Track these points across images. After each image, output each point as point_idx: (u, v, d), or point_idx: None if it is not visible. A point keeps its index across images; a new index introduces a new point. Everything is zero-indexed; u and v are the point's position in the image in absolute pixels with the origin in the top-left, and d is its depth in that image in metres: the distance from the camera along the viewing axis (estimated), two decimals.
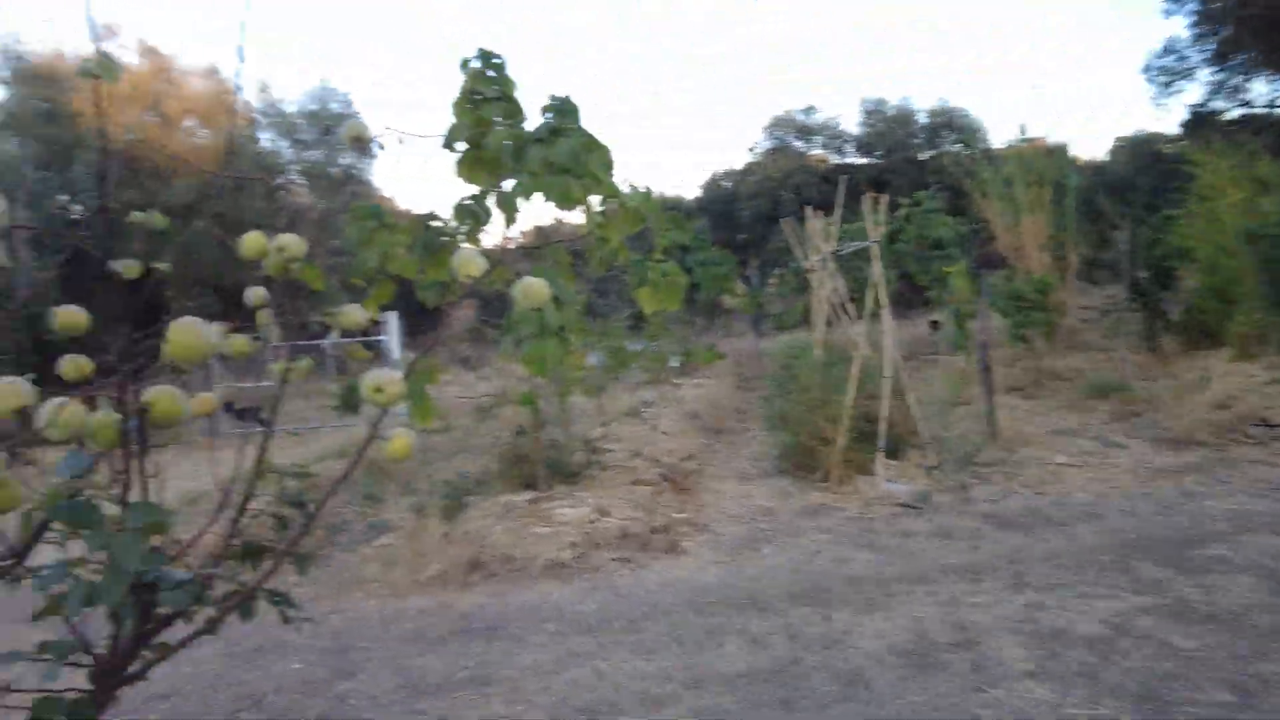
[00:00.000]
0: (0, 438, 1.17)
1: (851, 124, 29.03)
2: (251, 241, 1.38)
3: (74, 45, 17.46)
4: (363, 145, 1.22)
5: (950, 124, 27.62)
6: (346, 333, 1.49)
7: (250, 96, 18.43)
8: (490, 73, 5.00)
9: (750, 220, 26.13)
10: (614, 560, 4.85)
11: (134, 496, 1.04)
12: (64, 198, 13.13)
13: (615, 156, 5.07)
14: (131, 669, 1.30)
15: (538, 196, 4.65)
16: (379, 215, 5.01)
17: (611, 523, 5.17)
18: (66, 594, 1.02)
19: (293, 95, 19.50)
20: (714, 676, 3.37)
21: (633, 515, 5.36)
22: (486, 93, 4.87)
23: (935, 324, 15.44)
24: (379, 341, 10.49)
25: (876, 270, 6.49)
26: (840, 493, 6.05)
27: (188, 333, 1.04)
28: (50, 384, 1.27)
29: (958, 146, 25.05)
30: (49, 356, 1.38)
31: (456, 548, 4.89)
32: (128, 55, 18.38)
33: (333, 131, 17.34)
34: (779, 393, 7.68)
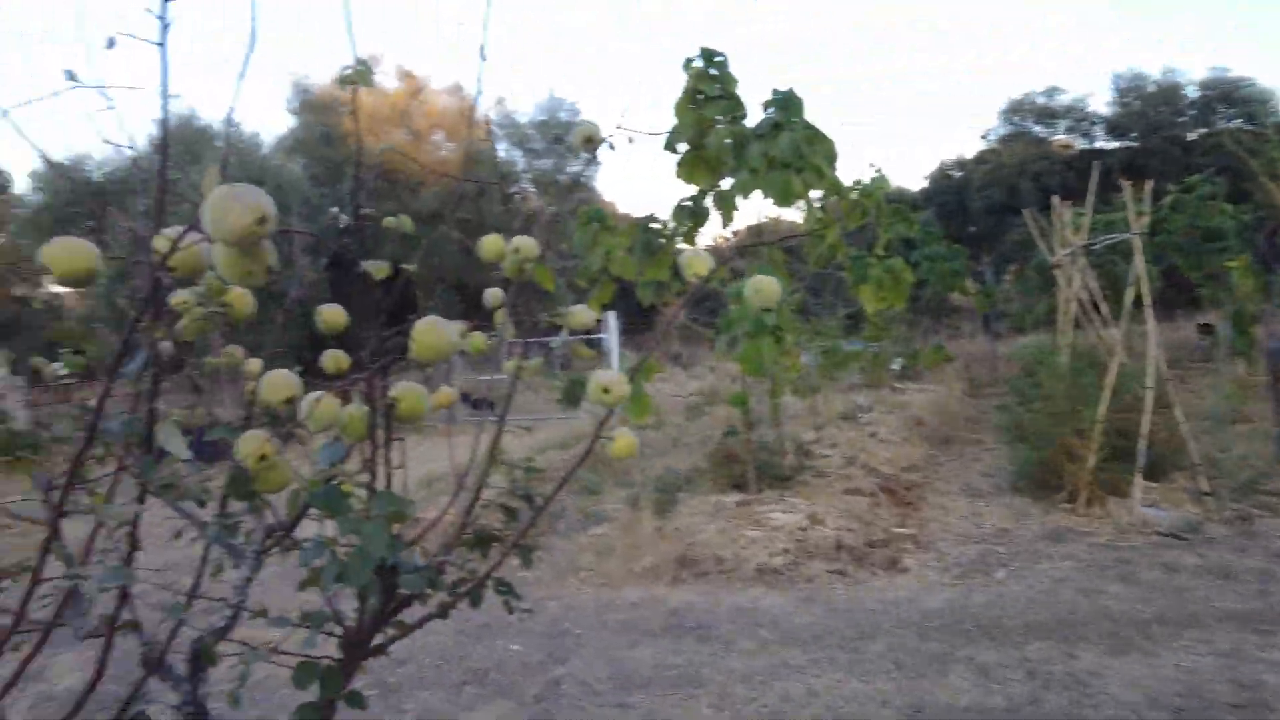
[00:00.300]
0: (274, 423, 1.30)
1: (1101, 104, 25.95)
2: (490, 244, 1.43)
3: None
4: (594, 146, 1.21)
5: (1229, 96, 23.85)
6: (572, 332, 1.50)
7: (489, 110, 20.00)
8: (712, 71, 5.01)
9: (982, 212, 24.27)
10: (829, 572, 4.66)
11: (379, 485, 1.11)
12: (334, 210, 14.94)
13: (839, 149, 4.84)
14: (374, 643, 1.38)
15: (757, 194, 4.59)
16: (602, 219, 5.19)
17: (825, 532, 4.98)
18: (324, 569, 1.09)
19: (525, 107, 20.90)
20: (937, 707, 3.11)
21: (848, 526, 5.13)
22: (708, 92, 4.88)
23: (1206, 327, 13.44)
24: (600, 340, 10.91)
25: (1139, 265, 5.72)
26: (1088, 516, 5.40)
27: (431, 332, 1.09)
28: (314, 376, 1.39)
29: (1238, 121, 21.62)
30: (316, 351, 1.52)
31: (668, 543, 4.94)
32: (387, 79, 20.67)
33: (562, 140, 18.38)
34: (1018, 401, 7.02)
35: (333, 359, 1.33)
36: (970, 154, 27.38)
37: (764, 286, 1.07)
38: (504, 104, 20.65)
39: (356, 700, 1.40)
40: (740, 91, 4.74)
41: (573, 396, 9.00)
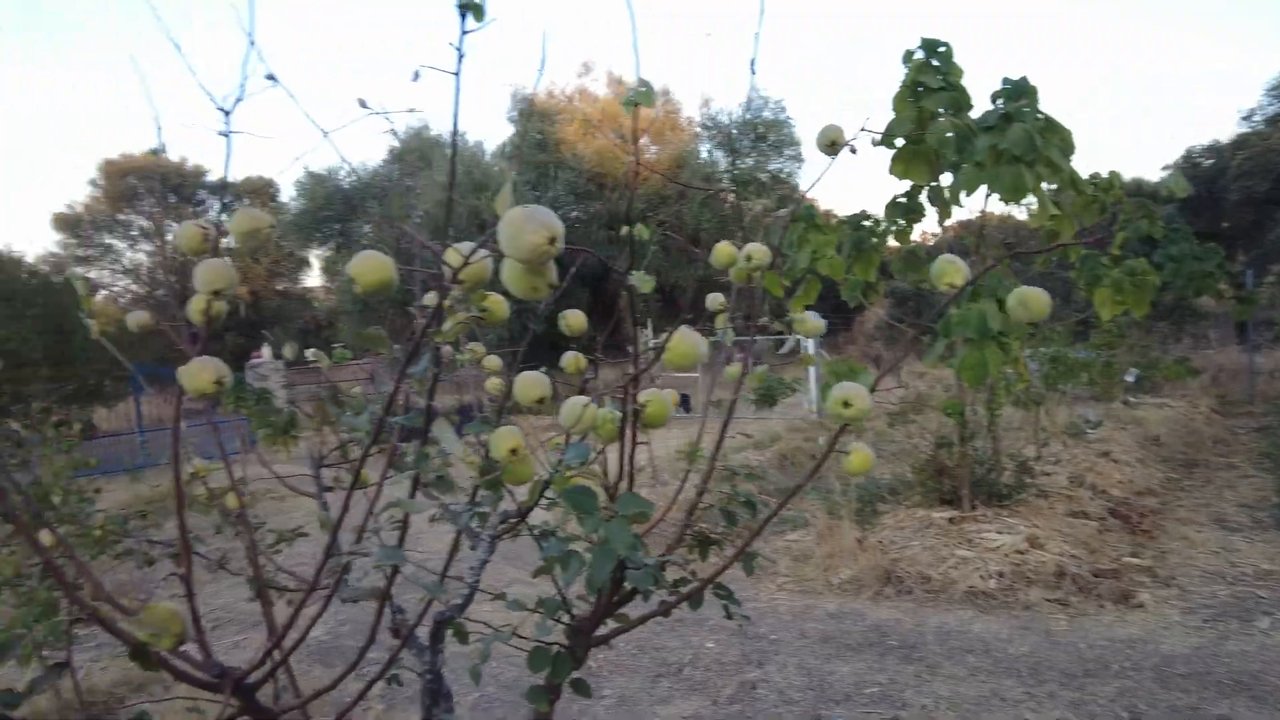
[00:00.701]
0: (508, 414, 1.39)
1: None
2: (722, 251, 1.44)
3: (561, 84, 20.97)
4: (837, 149, 1.18)
5: None
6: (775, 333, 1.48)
7: (694, 112, 20.30)
8: (934, 62, 4.74)
9: (1238, 205, 21.08)
10: (1049, 600, 4.28)
11: (624, 486, 1.15)
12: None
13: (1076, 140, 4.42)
14: (599, 633, 1.44)
15: (982, 190, 4.28)
16: (811, 217, 5.08)
17: (1046, 556, 4.57)
18: (558, 559, 1.15)
19: (729, 107, 20.95)
20: None
21: (1072, 552, 4.67)
22: (930, 84, 4.63)
23: None
24: (798, 341, 10.72)
25: None
26: None
27: (686, 341, 1.11)
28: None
29: None
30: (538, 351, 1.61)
31: (869, 555, 4.76)
32: (599, 87, 21.53)
33: (765, 138, 18.28)
34: None
35: (573, 361, 1.40)
36: (1226, 138, 23.92)
37: (1031, 299, 0.99)
38: (709, 105, 20.86)
39: (583, 689, 1.46)
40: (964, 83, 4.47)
41: (769, 398, 8.91)
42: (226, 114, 0.90)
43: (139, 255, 25.85)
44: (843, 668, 3.64)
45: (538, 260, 0.82)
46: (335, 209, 16.44)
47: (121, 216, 25.02)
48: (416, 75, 0.84)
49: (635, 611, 1.53)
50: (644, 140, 20.01)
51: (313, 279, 26.87)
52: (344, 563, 1.16)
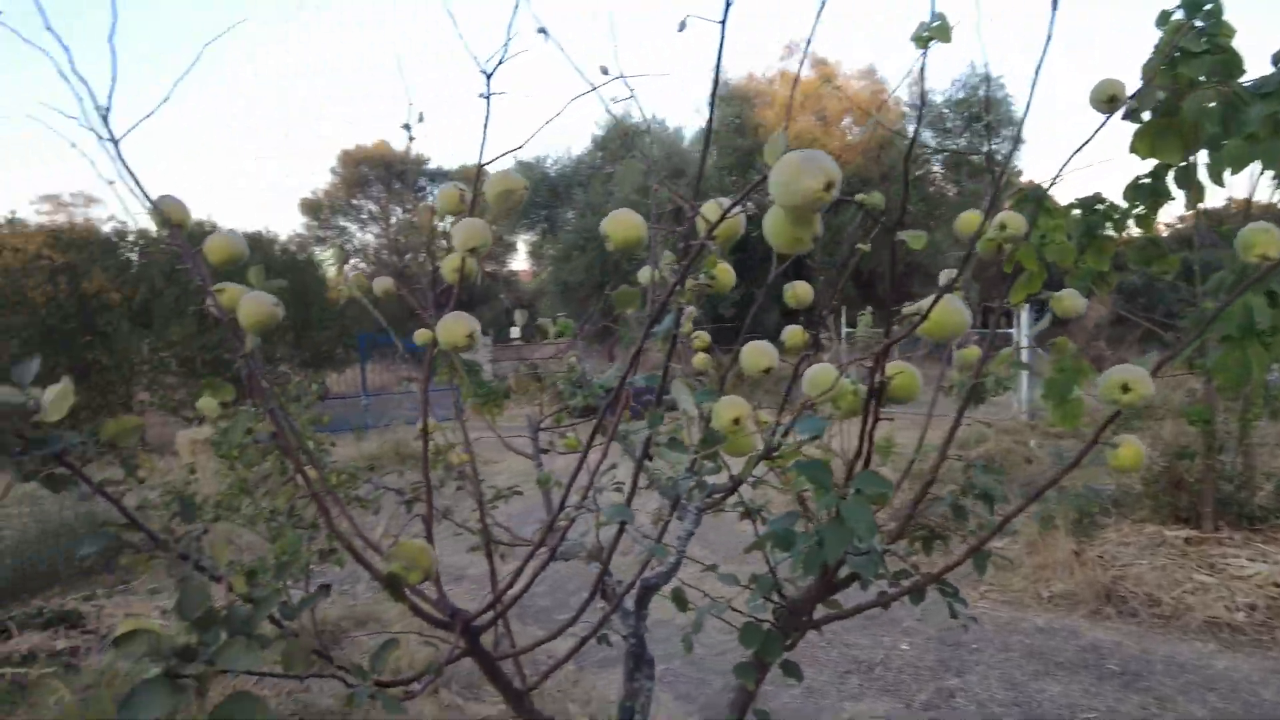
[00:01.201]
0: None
1: None
2: (968, 219, 1.33)
3: (761, 67, 20.70)
4: (1115, 106, 1.05)
5: None
6: (1046, 319, 1.34)
7: (903, 91, 19.28)
8: (1197, 23, 4.17)
9: None
10: None
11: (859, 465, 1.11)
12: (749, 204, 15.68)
13: None
14: (808, 617, 1.39)
15: (1252, 166, 3.73)
16: (1040, 198, 4.66)
17: None
18: (777, 537, 1.12)
19: (942, 84, 19.67)
20: None
21: None
22: (1191, 48, 4.08)
23: None
24: (1008, 333, 9.96)
25: None
26: None
27: (951, 311, 1.04)
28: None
29: None
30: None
31: (1087, 570, 4.33)
32: (802, 69, 20.93)
33: (980, 118, 17.02)
34: None
35: (794, 334, 1.36)
36: None
37: None
38: (919, 84, 19.64)
39: (793, 670, 1.43)
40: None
41: (977, 394, 8.33)
42: (488, 76, 0.94)
43: (368, 237, 28.60)
44: (1053, 687, 3.35)
45: (811, 207, 0.79)
46: (541, 195, 17.29)
47: (355, 201, 27.78)
48: (682, 25, 0.83)
49: (848, 602, 1.48)
50: (846, 121, 19.31)
51: (518, 263, 28.48)
52: (570, 519, 1.20)
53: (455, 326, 0.99)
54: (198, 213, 1.10)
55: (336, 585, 4.92)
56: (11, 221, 12.16)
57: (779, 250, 0.87)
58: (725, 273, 1.14)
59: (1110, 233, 4.96)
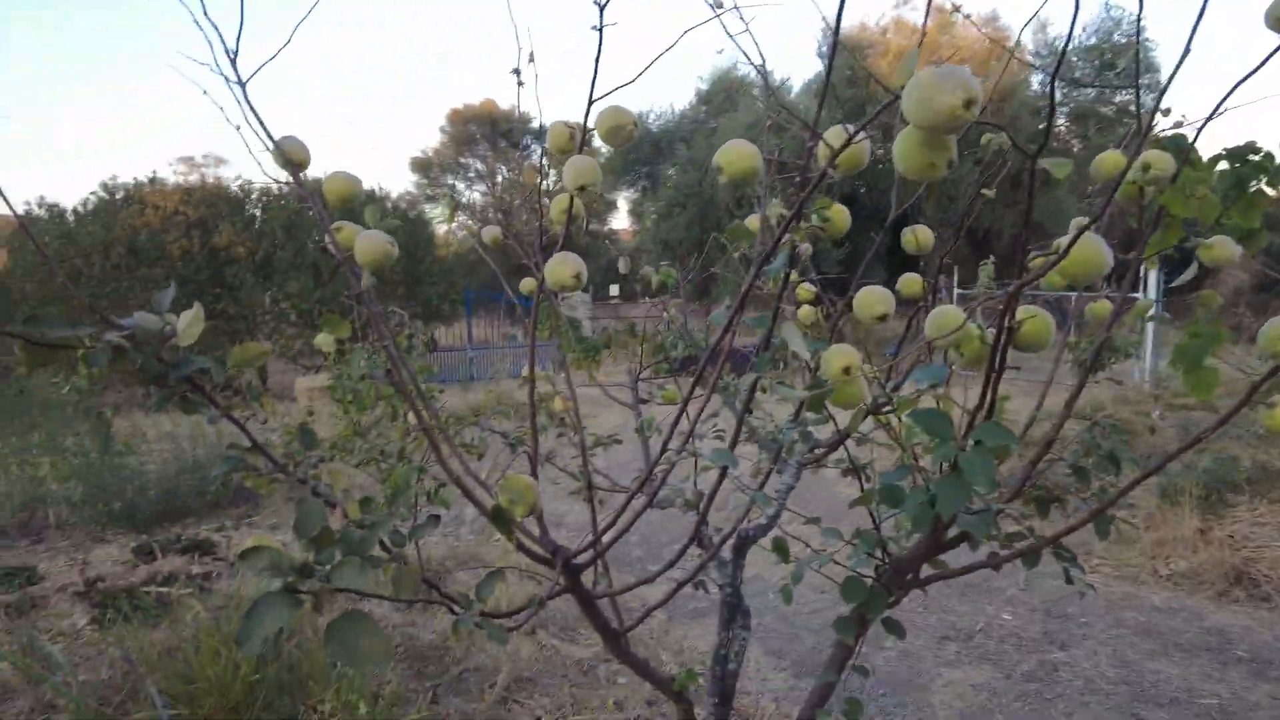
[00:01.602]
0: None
1: None
2: (1108, 160, 1.24)
3: (875, 16, 19.73)
4: None
5: None
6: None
7: (1026, 38, 18.03)
8: None
9: None
10: None
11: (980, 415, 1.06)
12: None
13: None
14: (914, 575, 1.36)
15: None
16: (1181, 147, 4.29)
17: None
18: (887, 491, 1.09)
19: (1071, 32, 18.14)
20: None
21: None
22: None
23: None
24: (1134, 297, 9.31)
25: None
26: None
27: (1094, 249, 0.96)
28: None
29: None
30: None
31: (1214, 550, 4.06)
32: (917, 15, 19.93)
33: (1114, 67, 15.75)
34: None
35: (910, 282, 1.30)
36: None
37: None
38: (1045, 30, 18.42)
39: (894, 628, 1.40)
40: None
41: (1106, 353, 7.86)
42: (601, 7, 0.93)
43: (474, 195, 29.25)
44: (1169, 669, 3.18)
45: (948, 127, 0.74)
46: (643, 152, 17.18)
47: (462, 160, 28.41)
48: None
49: (955, 565, 1.43)
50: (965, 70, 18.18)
51: (618, 221, 28.57)
52: (670, 464, 1.20)
53: (562, 267, 0.99)
54: (311, 172, 1.13)
55: (440, 528, 5.15)
56: (153, 181, 13.03)
57: (909, 176, 0.82)
58: (840, 214, 1.10)
59: (1265, 188, 4.57)
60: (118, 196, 12.59)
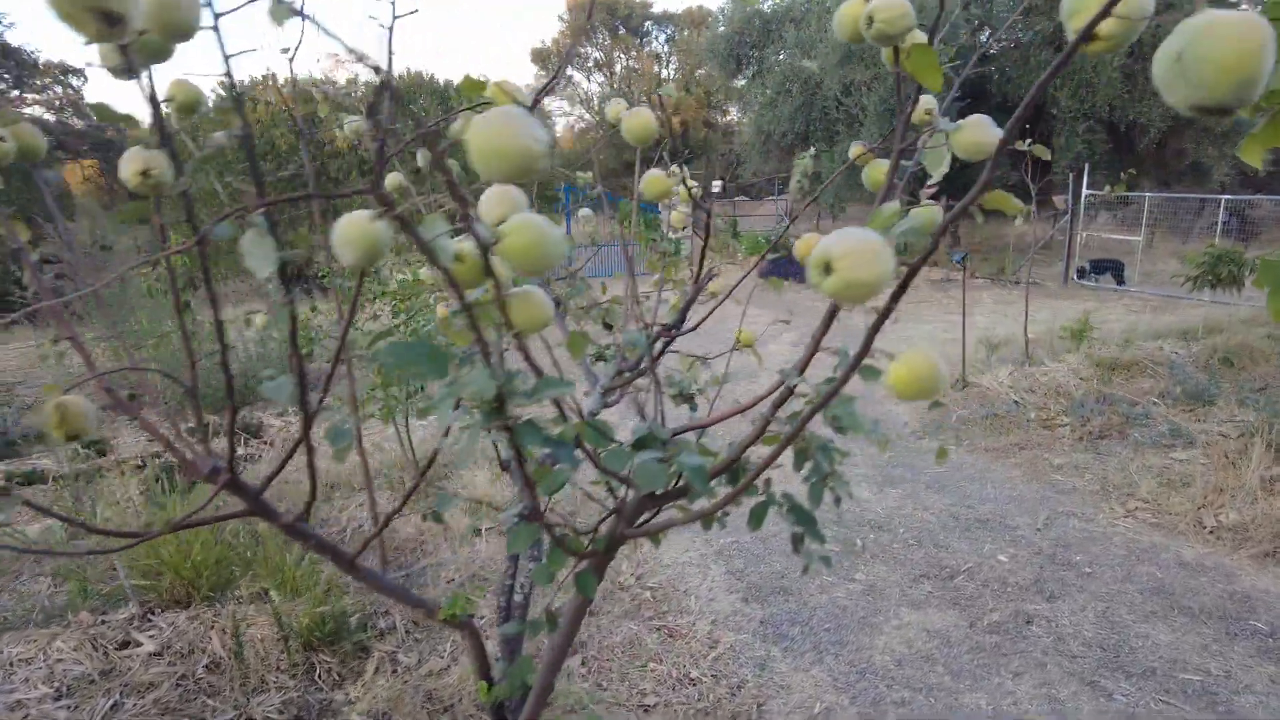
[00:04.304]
0: None
1: None
2: (847, 14, 0.94)
3: None
4: None
5: None
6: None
7: None
8: None
9: None
10: None
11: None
12: (985, 32, 13.59)
13: None
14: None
15: None
16: None
17: None
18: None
19: None
20: None
21: None
22: None
23: None
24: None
25: None
26: None
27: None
28: None
29: None
30: None
31: (1275, 503, 3.51)
32: None
33: None
34: None
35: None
36: None
37: None
38: None
39: (587, 584, 1.23)
40: None
41: (1218, 277, 6.88)
42: None
43: (593, 86, 28.72)
44: (1162, 635, 2.80)
45: None
46: (753, 34, 16.05)
47: (581, 49, 27.79)
48: None
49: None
50: None
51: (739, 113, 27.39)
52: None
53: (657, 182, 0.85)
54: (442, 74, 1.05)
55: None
56: (266, 78, 13.52)
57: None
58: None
59: None
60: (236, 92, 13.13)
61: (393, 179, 1.53)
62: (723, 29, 17.41)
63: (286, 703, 2.71)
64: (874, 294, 0.62)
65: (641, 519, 1.42)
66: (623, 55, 27.57)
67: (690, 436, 1.28)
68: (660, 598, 3.24)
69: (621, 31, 26.93)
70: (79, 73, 25.67)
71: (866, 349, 1.05)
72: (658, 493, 1.21)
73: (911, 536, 3.65)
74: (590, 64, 28.06)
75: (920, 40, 0.97)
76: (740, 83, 18.04)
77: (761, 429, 1.19)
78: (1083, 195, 11.50)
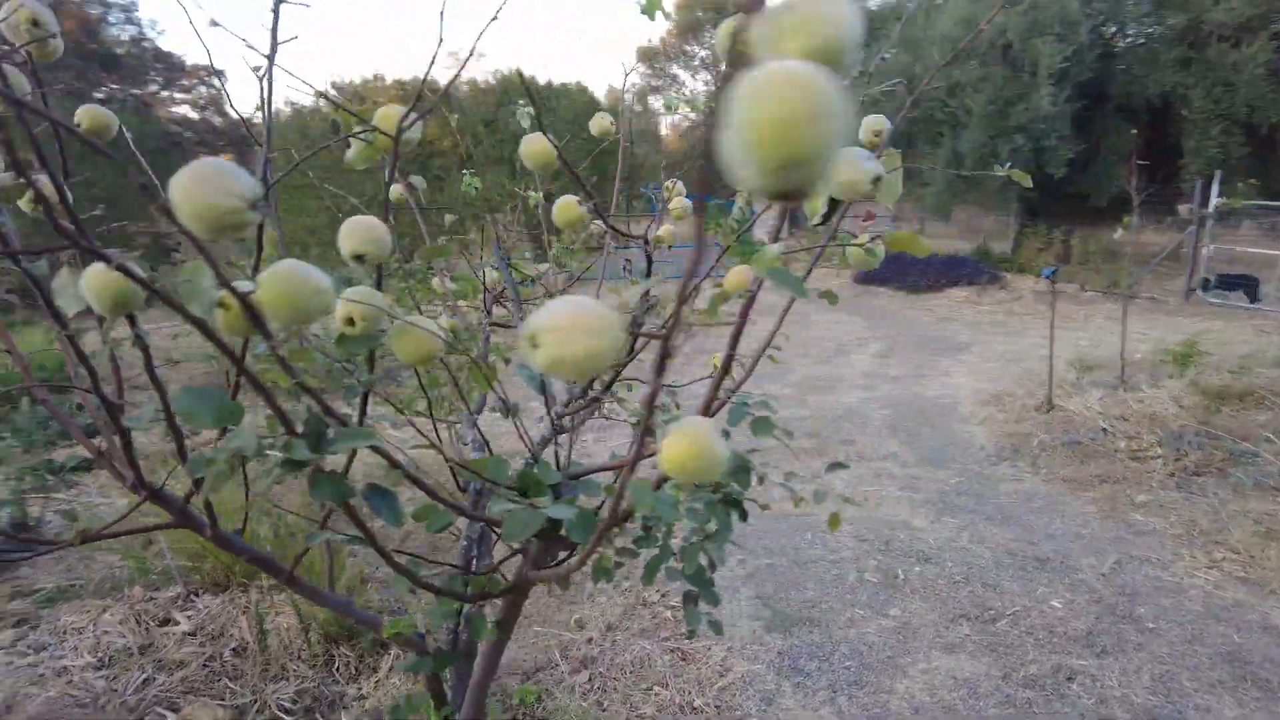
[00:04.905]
0: None
1: None
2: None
3: None
4: None
5: None
6: None
7: None
8: None
9: None
10: None
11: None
12: (1110, 28, 12.64)
13: None
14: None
15: None
16: None
17: None
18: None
19: None
20: None
21: None
22: None
23: None
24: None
25: None
26: None
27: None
28: None
29: None
30: None
31: None
32: None
33: None
34: None
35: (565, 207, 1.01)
36: None
37: None
38: None
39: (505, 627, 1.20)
40: None
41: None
42: None
43: (698, 84, 28.58)
44: (1227, 710, 2.50)
45: None
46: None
47: (687, 48, 27.70)
48: None
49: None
50: None
51: None
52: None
53: (568, 209, 0.86)
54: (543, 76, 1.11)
55: None
56: (374, 77, 14.13)
57: None
58: None
59: None
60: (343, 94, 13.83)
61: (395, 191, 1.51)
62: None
63: (301, 692, 2.79)
64: (592, 369, 0.54)
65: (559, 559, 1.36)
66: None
67: (602, 478, 1.21)
68: (680, 618, 3.15)
69: None
70: (220, 73, 27.65)
71: (712, 397, 0.96)
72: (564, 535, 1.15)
73: (959, 572, 3.42)
74: (696, 62, 27.91)
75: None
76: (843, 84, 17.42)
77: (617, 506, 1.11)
78: (1211, 203, 10.56)
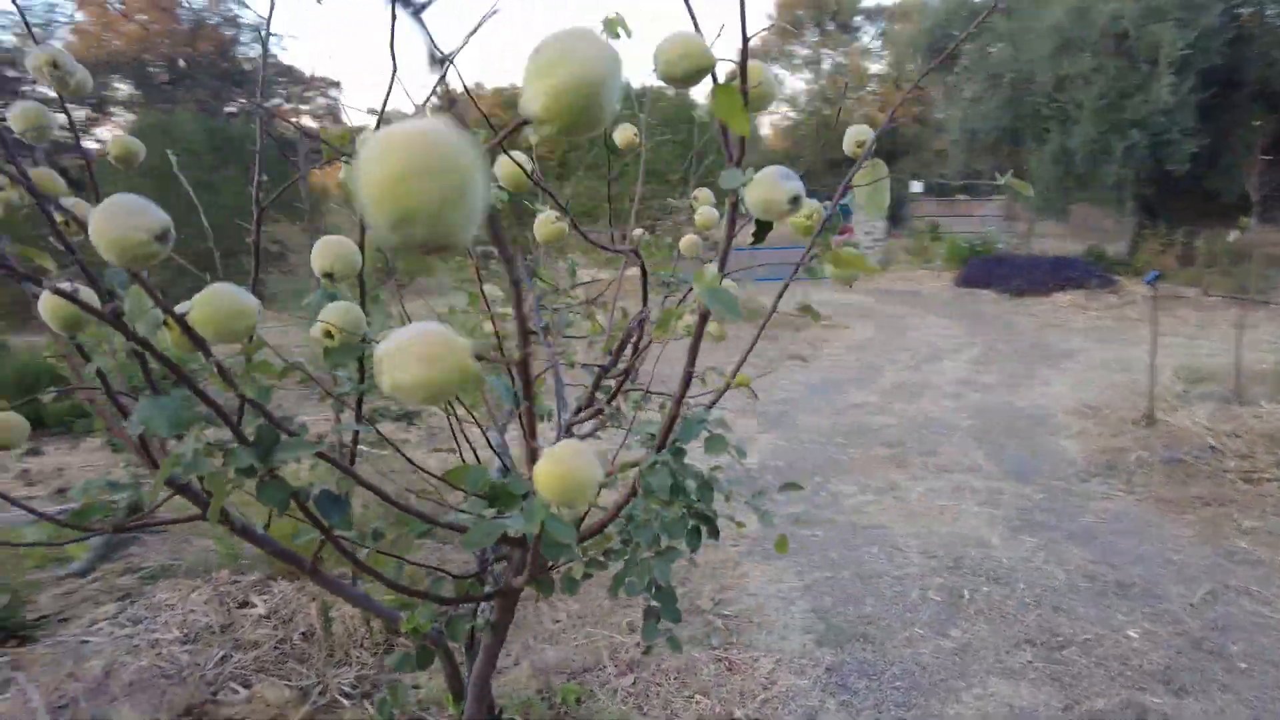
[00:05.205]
0: None
1: None
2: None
3: None
4: None
5: None
6: None
7: None
8: None
9: None
10: None
11: None
12: (1246, 9, 11.64)
13: None
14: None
15: None
16: None
17: None
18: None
19: None
20: None
21: None
22: None
23: None
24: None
25: None
26: None
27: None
28: None
29: None
30: None
31: None
32: None
33: None
34: None
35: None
36: None
37: None
38: None
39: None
40: None
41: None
42: None
43: (798, 83, 28.16)
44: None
45: None
46: (960, 25, 14.89)
47: (787, 47, 27.34)
48: None
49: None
50: None
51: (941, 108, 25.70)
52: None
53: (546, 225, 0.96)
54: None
55: None
56: (475, 86, 14.58)
57: None
58: None
59: None
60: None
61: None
62: (929, 22, 16.38)
63: (361, 678, 2.93)
64: (429, 397, 0.56)
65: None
66: (830, 52, 26.77)
67: None
68: (732, 627, 3.13)
69: (831, 28, 26.15)
70: (337, 84, 29.15)
71: (669, 429, 0.97)
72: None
73: (1031, 594, 3.25)
74: (798, 61, 27.50)
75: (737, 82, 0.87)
76: (950, 78, 16.86)
77: (631, 491, 1.13)
78: None
